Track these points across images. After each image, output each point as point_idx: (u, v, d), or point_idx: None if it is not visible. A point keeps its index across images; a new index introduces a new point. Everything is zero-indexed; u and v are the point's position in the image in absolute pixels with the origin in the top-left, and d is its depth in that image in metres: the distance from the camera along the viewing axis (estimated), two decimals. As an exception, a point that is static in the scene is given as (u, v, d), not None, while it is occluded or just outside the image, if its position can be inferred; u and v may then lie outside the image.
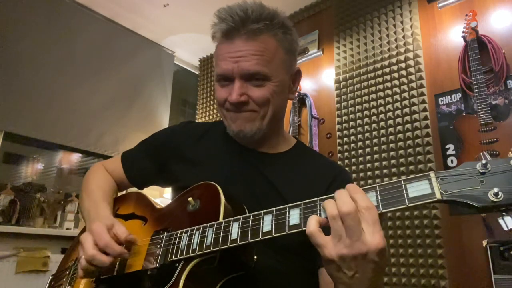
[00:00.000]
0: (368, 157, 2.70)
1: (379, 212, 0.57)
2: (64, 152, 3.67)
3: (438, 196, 0.54)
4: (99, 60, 3.62)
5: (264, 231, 0.65)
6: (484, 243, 2.05)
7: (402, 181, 0.58)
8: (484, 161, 0.54)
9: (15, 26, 3.10)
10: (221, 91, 0.90)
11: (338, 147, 2.89)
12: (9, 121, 2.98)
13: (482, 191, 0.52)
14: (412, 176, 0.58)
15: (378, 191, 0.59)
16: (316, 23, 3.41)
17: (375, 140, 2.69)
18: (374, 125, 2.73)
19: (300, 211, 0.63)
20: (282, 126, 1.01)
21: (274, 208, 0.66)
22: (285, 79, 0.92)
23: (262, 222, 0.66)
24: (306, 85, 3.28)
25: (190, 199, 0.82)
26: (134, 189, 1.12)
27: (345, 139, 2.87)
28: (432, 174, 0.56)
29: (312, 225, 0.58)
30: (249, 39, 0.85)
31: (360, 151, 2.76)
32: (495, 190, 0.51)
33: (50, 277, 1.07)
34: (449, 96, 2.43)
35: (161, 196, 3.43)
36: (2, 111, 2.94)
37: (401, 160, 2.53)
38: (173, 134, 1.07)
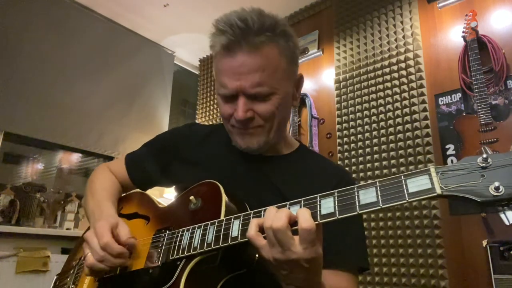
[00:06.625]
0: (368, 157, 2.70)
1: (379, 207, 0.57)
2: (64, 152, 3.67)
3: (438, 191, 0.53)
4: (99, 60, 3.62)
5: None
6: (484, 243, 2.05)
7: (402, 176, 0.56)
8: (485, 156, 0.52)
9: (15, 26, 3.10)
10: (225, 107, 0.87)
11: (338, 147, 2.89)
12: (9, 121, 2.98)
13: (483, 185, 0.51)
14: (412, 171, 0.57)
15: (378, 187, 0.58)
16: (316, 23, 3.41)
17: (375, 140, 2.69)
18: (374, 125, 2.73)
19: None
20: (285, 131, 0.99)
21: (275, 205, 0.66)
22: (289, 88, 0.89)
23: None
24: (306, 85, 3.25)
25: (191, 197, 0.83)
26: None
27: (345, 139, 2.87)
28: (432, 168, 0.55)
29: (252, 229, 0.63)
30: (251, 52, 0.80)
31: (360, 151, 2.76)
32: (496, 184, 0.50)
33: (56, 277, 1.08)
34: (449, 96, 2.43)
35: (161, 196, 3.43)
36: (2, 111, 2.93)
37: (401, 160, 2.53)
38: (176, 136, 1.08)
